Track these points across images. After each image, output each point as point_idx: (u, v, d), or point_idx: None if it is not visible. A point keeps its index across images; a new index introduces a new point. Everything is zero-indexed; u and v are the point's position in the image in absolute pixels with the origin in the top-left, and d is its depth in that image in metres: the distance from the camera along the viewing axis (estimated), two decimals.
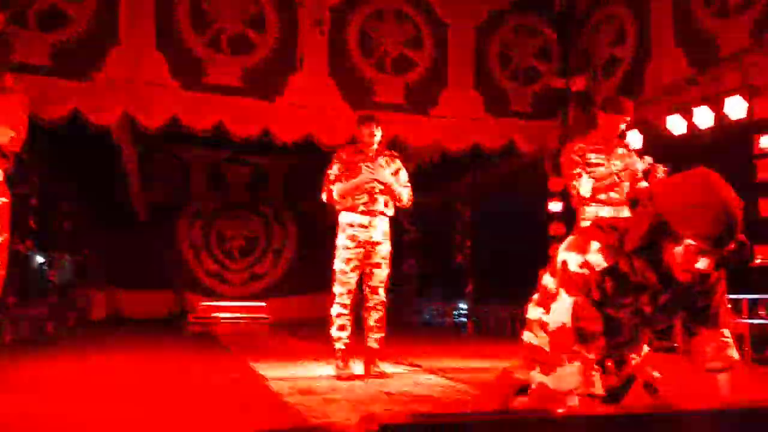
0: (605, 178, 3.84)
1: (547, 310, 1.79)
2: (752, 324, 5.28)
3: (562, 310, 1.68)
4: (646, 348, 2.05)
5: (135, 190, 10.56)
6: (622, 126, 3.90)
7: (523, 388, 2.16)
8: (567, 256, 1.70)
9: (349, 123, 5.59)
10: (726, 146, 5.99)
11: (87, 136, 6.33)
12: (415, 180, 9.17)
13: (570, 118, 7.07)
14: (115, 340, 7.47)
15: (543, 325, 1.85)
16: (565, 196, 6.00)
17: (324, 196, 4.22)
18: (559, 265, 1.72)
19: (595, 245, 1.67)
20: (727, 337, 1.80)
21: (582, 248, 1.69)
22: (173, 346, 6.62)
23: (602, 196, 3.88)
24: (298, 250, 13.49)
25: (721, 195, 1.49)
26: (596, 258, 1.66)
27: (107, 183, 10.05)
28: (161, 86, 5.89)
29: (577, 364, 1.64)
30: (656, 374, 2.00)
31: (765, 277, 5.22)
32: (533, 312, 1.99)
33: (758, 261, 4.68)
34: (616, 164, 3.88)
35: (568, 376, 1.65)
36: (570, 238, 1.81)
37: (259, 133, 6.26)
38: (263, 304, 11.93)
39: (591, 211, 3.87)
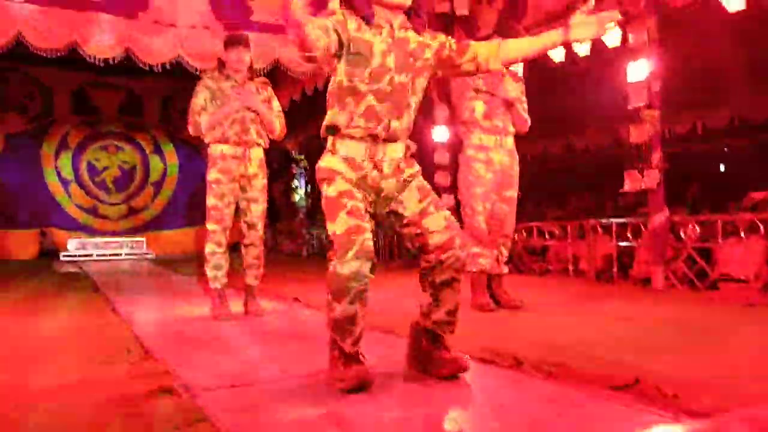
0: (498, 106, 3.82)
1: None
2: None
3: None
4: None
5: None
6: None
7: None
8: None
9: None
10: (602, 74, 6.14)
11: None
12: (298, 107, 8.76)
13: None
14: None
15: None
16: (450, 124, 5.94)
17: (191, 129, 3.86)
18: None
19: None
20: None
21: None
22: (35, 289, 6.08)
23: (486, 124, 3.84)
24: (180, 182, 12.75)
25: None
26: None
27: None
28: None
29: None
30: None
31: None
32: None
33: (626, 187, 4.89)
34: (507, 91, 3.84)
35: None
36: None
37: (120, 55, 5.62)
38: (142, 239, 11.24)
39: (476, 138, 3.83)
